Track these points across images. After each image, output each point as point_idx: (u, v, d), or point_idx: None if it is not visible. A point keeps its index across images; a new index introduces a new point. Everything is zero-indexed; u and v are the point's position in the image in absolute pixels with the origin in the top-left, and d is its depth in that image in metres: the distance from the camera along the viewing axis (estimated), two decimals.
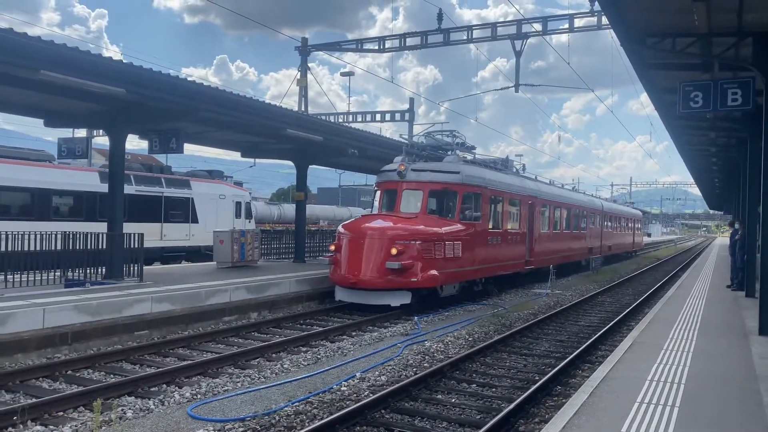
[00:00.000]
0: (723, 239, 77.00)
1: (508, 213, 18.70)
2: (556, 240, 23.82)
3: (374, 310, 13.84)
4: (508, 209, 18.69)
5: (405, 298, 13.97)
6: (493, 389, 8.41)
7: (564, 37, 24.65)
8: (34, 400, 7.17)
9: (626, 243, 39.64)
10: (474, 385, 8.57)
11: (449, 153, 17.58)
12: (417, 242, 13.97)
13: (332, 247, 15.03)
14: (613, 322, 13.29)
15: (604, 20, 21.32)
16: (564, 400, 7.27)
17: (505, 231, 18.36)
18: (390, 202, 15.89)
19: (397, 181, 15.72)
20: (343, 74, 34.23)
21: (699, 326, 10.66)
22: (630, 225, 40.97)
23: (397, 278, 13.72)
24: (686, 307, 13.18)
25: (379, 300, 13.95)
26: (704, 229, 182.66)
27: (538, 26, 23.98)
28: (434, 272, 14.16)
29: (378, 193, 16.58)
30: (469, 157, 18.63)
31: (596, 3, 21.50)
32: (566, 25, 23.90)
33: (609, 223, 33.76)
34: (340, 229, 15.23)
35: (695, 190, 73.71)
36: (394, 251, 13.62)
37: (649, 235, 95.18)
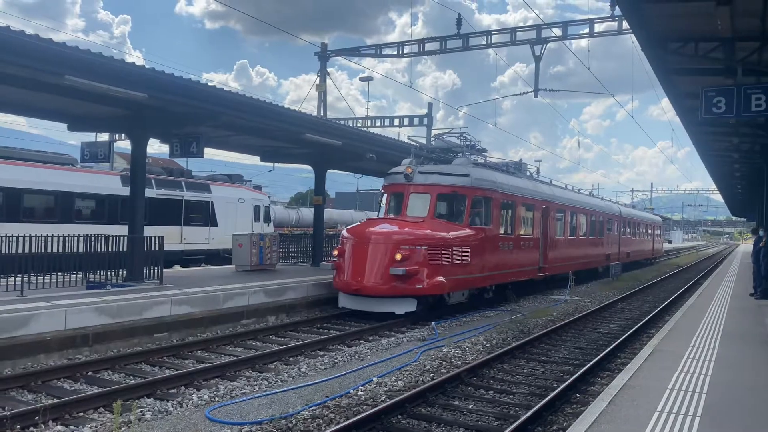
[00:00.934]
0: (746, 246, 75.79)
1: (520, 218, 18.19)
2: (572, 246, 23.32)
3: (379, 318, 13.44)
4: (520, 214, 18.17)
5: (410, 306, 13.55)
6: (511, 396, 8.36)
7: (584, 42, 24.46)
8: (55, 400, 7.28)
9: (645, 249, 39.11)
10: (491, 392, 8.53)
11: (459, 155, 17.06)
12: (423, 247, 13.51)
13: (335, 252, 14.64)
14: (632, 330, 13.14)
15: (625, 25, 21.14)
16: (582, 408, 7.20)
17: (518, 236, 17.84)
18: (396, 206, 15.42)
19: (403, 184, 15.26)
20: (362, 79, 34.35)
21: (721, 335, 10.49)
22: (649, 231, 40.43)
23: (402, 285, 13.29)
24: (708, 315, 12.98)
25: (382, 307, 13.52)
26: (726, 236, 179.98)
27: (558, 31, 23.86)
28: (441, 279, 13.72)
29: (384, 196, 16.07)
30: (480, 159, 18.00)
31: (617, 8, 21.37)
32: (586, 30, 23.75)
33: (627, 229, 33.27)
34: (344, 233, 14.77)
35: (717, 197, 72.67)
36: (398, 257, 13.22)
37: (670, 241, 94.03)
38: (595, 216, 26.75)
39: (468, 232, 14.98)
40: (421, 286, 13.39)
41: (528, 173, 21.32)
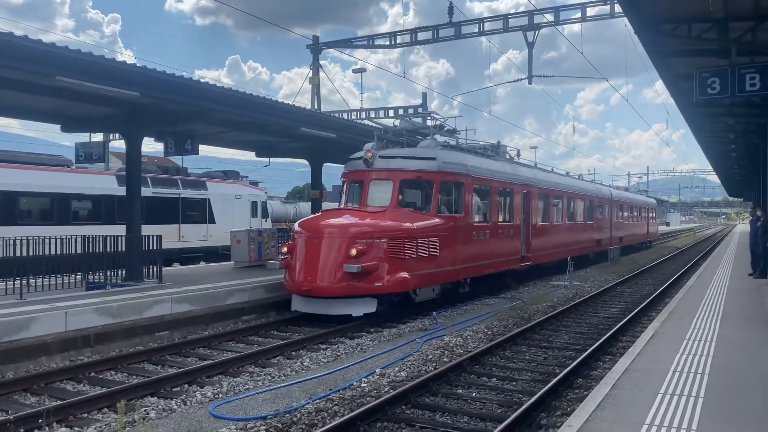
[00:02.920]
0: (743, 226, 75.98)
1: (497, 204, 16.89)
2: (558, 233, 22.15)
3: (336, 321, 12.13)
4: (497, 200, 16.87)
5: (369, 307, 12.19)
6: (514, 383, 8.38)
7: (576, 27, 24.37)
8: (58, 402, 7.27)
9: (640, 233, 38.76)
10: (494, 379, 8.55)
11: (428, 138, 15.59)
12: (383, 240, 12.13)
13: (284, 249, 13.04)
14: (633, 313, 13.18)
15: (617, 8, 21.08)
16: (586, 393, 7.22)
17: (495, 224, 16.50)
18: (357, 195, 14.03)
19: (363, 171, 13.84)
20: (355, 71, 34.19)
21: (721, 316, 10.53)
22: (643, 214, 40.18)
23: (359, 283, 11.88)
24: (707, 296, 13.03)
25: (338, 309, 12.18)
26: (723, 216, 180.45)
27: (550, 17, 23.78)
28: (404, 275, 12.34)
29: (345, 185, 14.67)
30: (451, 141, 16.50)
31: None
32: (578, 15, 23.68)
33: (619, 213, 32.57)
34: (296, 227, 13.27)
35: (714, 178, 72.75)
36: (353, 252, 11.78)
37: (667, 224, 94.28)
38: (584, 200, 25.73)
39: (436, 221, 13.67)
40: (380, 284, 12.04)
41: (507, 156, 19.92)
